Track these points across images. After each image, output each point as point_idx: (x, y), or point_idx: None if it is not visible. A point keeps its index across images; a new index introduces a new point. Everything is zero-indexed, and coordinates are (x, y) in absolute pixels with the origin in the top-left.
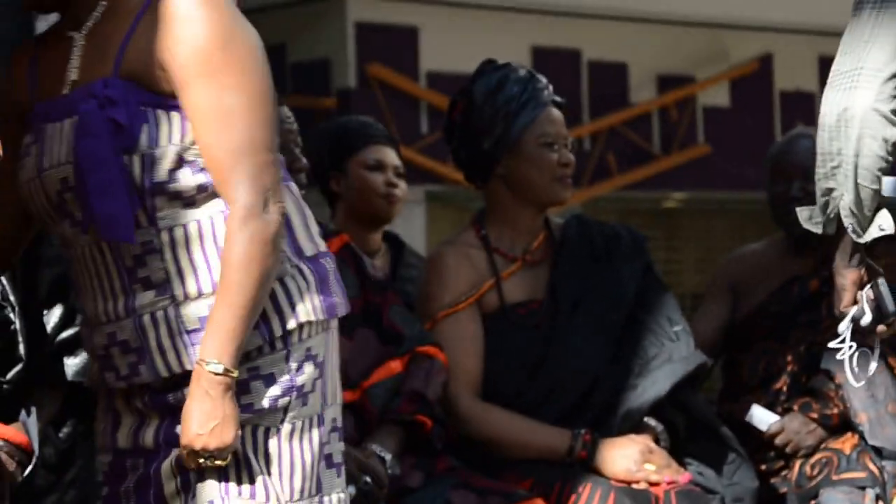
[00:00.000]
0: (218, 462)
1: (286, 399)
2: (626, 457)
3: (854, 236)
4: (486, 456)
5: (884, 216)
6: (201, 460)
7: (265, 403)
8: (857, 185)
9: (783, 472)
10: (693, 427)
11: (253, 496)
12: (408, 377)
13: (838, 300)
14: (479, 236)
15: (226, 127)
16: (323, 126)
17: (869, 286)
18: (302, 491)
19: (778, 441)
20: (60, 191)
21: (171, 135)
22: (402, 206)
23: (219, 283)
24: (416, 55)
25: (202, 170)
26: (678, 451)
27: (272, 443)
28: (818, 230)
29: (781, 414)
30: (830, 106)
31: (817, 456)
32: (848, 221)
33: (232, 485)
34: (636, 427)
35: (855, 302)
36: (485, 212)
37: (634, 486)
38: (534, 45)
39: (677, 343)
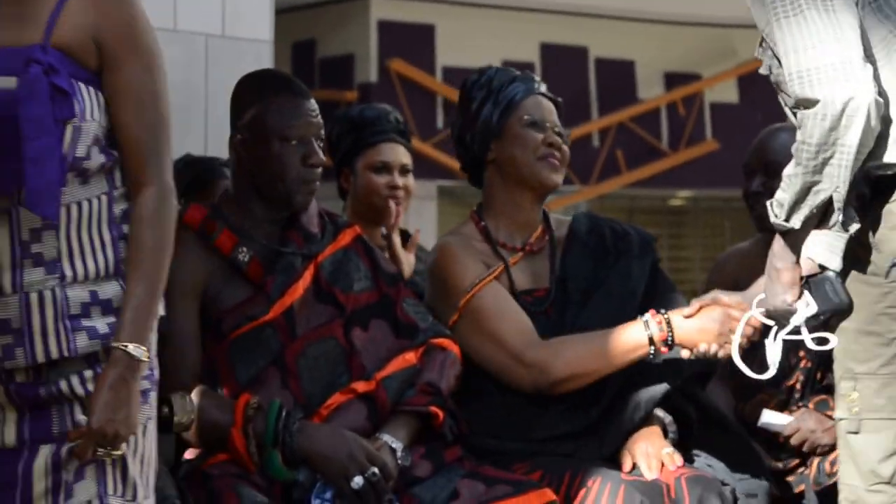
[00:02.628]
0: (115, 452)
1: (150, 395)
2: (711, 324)
3: (843, 229)
4: (494, 448)
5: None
6: (100, 450)
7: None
8: (852, 176)
9: (800, 470)
10: (704, 421)
11: (125, 495)
12: (422, 369)
13: (781, 295)
14: (480, 228)
15: (151, 108)
16: (339, 117)
17: (808, 279)
18: (150, 487)
19: (793, 441)
20: None
21: (94, 111)
22: (407, 204)
23: (134, 264)
24: (432, 51)
25: (103, 150)
26: (690, 442)
27: (140, 440)
28: (794, 225)
29: (795, 411)
30: (833, 96)
31: (837, 452)
32: (838, 215)
33: (110, 484)
34: (647, 417)
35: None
36: (483, 204)
37: (643, 478)
38: (543, 41)
39: None
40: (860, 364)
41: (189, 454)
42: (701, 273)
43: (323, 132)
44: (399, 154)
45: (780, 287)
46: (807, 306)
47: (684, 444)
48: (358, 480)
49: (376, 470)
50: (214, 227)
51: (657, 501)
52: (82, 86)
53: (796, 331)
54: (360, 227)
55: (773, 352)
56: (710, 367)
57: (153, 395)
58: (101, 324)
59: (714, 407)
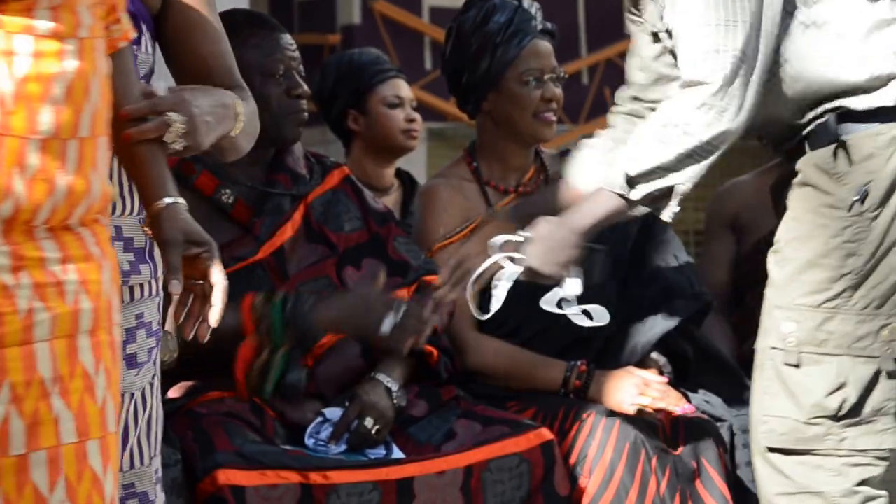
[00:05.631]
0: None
1: (156, 351)
2: (621, 389)
3: (668, 220)
4: (490, 386)
5: None
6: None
7: (144, 356)
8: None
9: None
10: (702, 359)
11: (143, 463)
12: None
13: None
14: (471, 169)
15: (215, 39)
16: (331, 64)
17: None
18: (158, 444)
19: None
20: None
21: (147, 45)
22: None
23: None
24: None
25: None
26: (688, 380)
27: (149, 402)
28: (635, 196)
29: None
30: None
31: None
32: (673, 207)
33: (112, 462)
34: (641, 362)
35: None
36: (476, 145)
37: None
38: None
39: (685, 280)
40: (804, 296)
41: (173, 392)
42: (693, 212)
43: (302, 67)
44: (407, 89)
45: None
46: None
47: (680, 383)
48: (386, 328)
49: (372, 419)
50: (192, 170)
51: (652, 438)
52: (139, 23)
53: None
54: (369, 167)
55: None
56: (706, 307)
57: (156, 353)
58: (123, 261)
59: (709, 344)
